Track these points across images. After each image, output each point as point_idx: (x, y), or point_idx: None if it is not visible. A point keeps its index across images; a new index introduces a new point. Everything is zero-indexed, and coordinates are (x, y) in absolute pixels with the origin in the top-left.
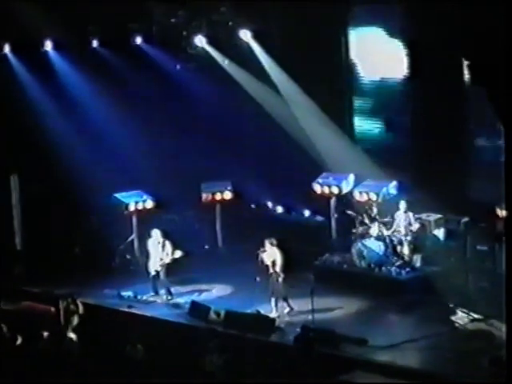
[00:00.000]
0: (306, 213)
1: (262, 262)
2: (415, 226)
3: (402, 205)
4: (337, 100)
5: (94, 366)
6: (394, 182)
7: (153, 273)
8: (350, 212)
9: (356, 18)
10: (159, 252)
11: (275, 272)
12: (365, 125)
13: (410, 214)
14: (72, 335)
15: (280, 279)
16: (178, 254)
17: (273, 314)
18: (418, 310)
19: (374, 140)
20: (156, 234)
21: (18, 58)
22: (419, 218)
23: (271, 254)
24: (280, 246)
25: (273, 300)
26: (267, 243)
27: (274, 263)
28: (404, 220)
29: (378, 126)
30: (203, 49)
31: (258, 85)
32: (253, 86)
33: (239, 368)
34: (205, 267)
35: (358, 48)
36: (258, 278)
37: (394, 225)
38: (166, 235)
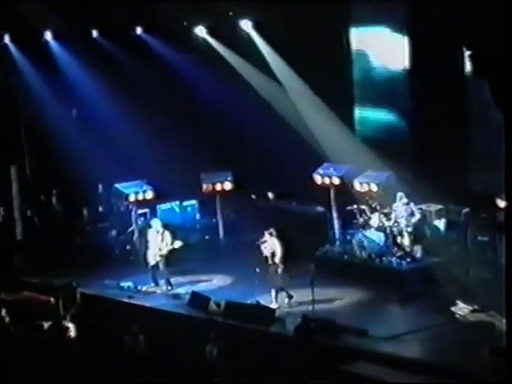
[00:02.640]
0: (307, 203)
1: (261, 252)
2: (416, 217)
3: (402, 195)
4: (337, 90)
5: (94, 357)
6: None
7: (152, 263)
8: (350, 208)
9: (358, 10)
10: (158, 242)
11: (274, 263)
12: (365, 115)
13: (411, 205)
14: (71, 326)
15: (279, 270)
16: (178, 244)
17: (273, 306)
18: (419, 300)
19: (374, 131)
20: (156, 223)
21: (19, 49)
22: (419, 209)
23: (270, 245)
24: (279, 237)
25: (273, 291)
26: (266, 234)
27: (273, 254)
28: (405, 211)
29: (379, 116)
30: (204, 39)
31: (258, 75)
32: (253, 76)
33: (239, 359)
34: (205, 258)
35: (360, 39)
36: (257, 269)
37: (394, 215)
38: (165, 225)
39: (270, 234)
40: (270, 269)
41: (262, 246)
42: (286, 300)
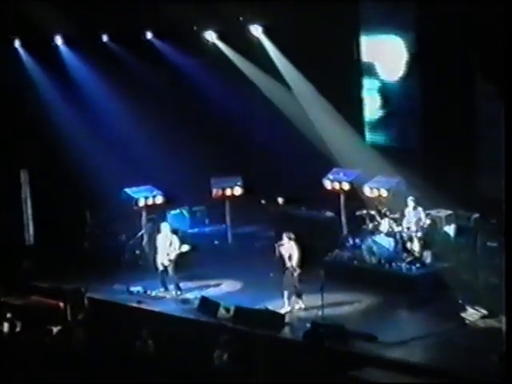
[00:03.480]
0: (316, 208)
1: (281, 255)
2: (426, 222)
3: (411, 201)
4: (347, 96)
5: (103, 361)
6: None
7: (161, 268)
8: (359, 213)
9: (367, 16)
10: (167, 247)
11: (291, 266)
12: (375, 121)
13: (420, 210)
14: (81, 330)
15: (295, 274)
16: (185, 248)
17: (284, 309)
18: (428, 306)
19: (384, 136)
20: (165, 228)
21: (29, 53)
22: (429, 214)
23: (288, 248)
24: (297, 241)
25: (286, 293)
26: (285, 237)
27: (290, 257)
28: (414, 216)
29: (388, 122)
30: (214, 44)
31: (268, 80)
32: (263, 81)
33: (249, 364)
34: (214, 263)
35: (370, 44)
36: (271, 274)
37: (404, 221)
38: (174, 230)
39: (289, 238)
40: (286, 272)
41: (281, 248)
42: (298, 306)
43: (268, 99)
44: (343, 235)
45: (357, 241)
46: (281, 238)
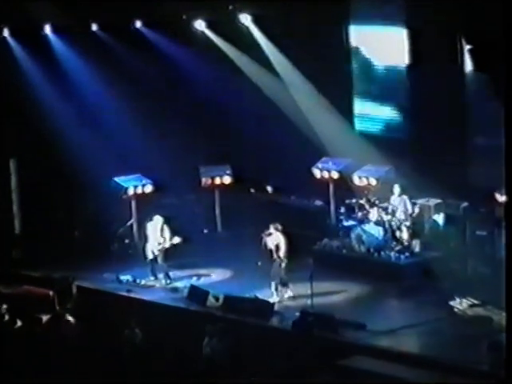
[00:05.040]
0: (306, 197)
1: (266, 245)
2: (415, 211)
3: (396, 189)
4: (337, 84)
5: (92, 350)
6: (393, 167)
7: (151, 257)
8: (348, 201)
9: (356, 4)
10: (157, 236)
11: (278, 257)
12: (364, 110)
13: (405, 198)
14: (70, 319)
15: (283, 264)
16: (177, 240)
17: (273, 299)
18: (417, 295)
19: (373, 125)
20: (157, 219)
21: (18, 42)
22: (414, 203)
23: (275, 239)
24: (284, 232)
25: (273, 284)
26: (272, 227)
27: (277, 248)
28: (399, 204)
29: (378, 110)
30: (203, 32)
31: (257, 69)
32: (253, 70)
33: (238, 353)
34: (204, 251)
35: (359, 33)
36: (259, 263)
37: (389, 208)
38: (166, 221)
39: (276, 228)
40: (274, 263)
41: (267, 238)
42: (287, 295)
43: (257, 88)
44: (332, 224)
45: (346, 230)
46: (269, 228)
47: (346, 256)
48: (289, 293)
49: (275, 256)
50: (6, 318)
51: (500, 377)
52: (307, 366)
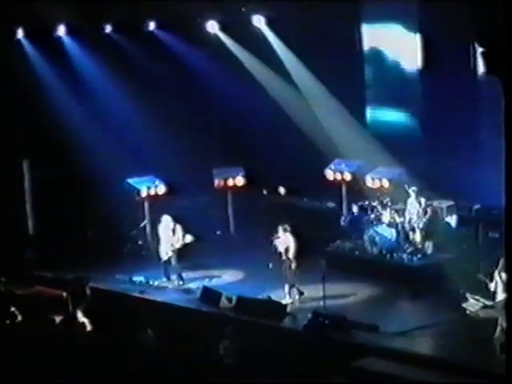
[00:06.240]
0: (318, 199)
1: (276, 248)
2: (428, 213)
3: (413, 191)
4: (350, 86)
5: (105, 351)
6: (406, 169)
7: (164, 258)
8: (361, 203)
9: (370, 7)
10: (170, 237)
11: (288, 259)
12: (377, 112)
13: (422, 201)
14: (84, 320)
15: (293, 266)
16: (189, 238)
17: (286, 301)
18: (430, 296)
19: (386, 127)
20: (166, 220)
21: (32, 44)
22: (431, 205)
23: (284, 241)
24: (293, 233)
25: (286, 287)
26: (280, 229)
27: (287, 250)
28: (415, 207)
29: (391, 112)
30: (216, 34)
31: (270, 71)
32: (265, 71)
33: (250, 354)
34: (216, 253)
35: (372, 36)
36: (270, 265)
37: (405, 212)
38: (177, 220)
39: (285, 230)
40: (284, 264)
41: (276, 241)
42: (297, 296)
43: (271, 90)
44: (345, 226)
45: (359, 231)
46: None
47: (359, 258)
48: (296, 295)
49: (284, 257)
50: (19, 318)
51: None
52: (320, 368)
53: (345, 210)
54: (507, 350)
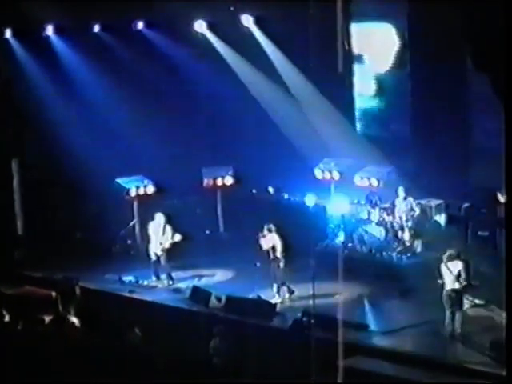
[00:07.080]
0: (307, 198)
1: (261, 247)
2: (416, 212)
3: (402, 191)
4: (338, 85)
5: (94, 351)
6: (395, 168)
7: (153, 257)
8: (350, 203)
9: (358, 6)
10: (159, 236)
11: (275, 258)
12: (366, 110)
13: (411, 199)
14: (74, 320)
15: (281, 264)
16: (178, 237)
17: (275, 300)
18: (419, 295)
19: (375, 126)
20: (159, 217)
21: (20, 43)
22: (419, 204)
23: (270, 240)
24: (278, 232)
25: (275, 286)
26: (265, 229)
27: (273, 249)
28: (405, 206)
29: (379, 111)
30: (203, 34)
31: (258, 70)
32: (253, 71)
33: (240, 353)
34: (206, 252)
35: (360, 35)
36: (258, 264)
37: (394, 211)
38: (167, 220)
39: (269, 230)
40: (272, 263)
41: (262, 241)
42: (287, 295)
43: (259, 89)
44: (334, 225)
45: (347, 230)
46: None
47: (348, 256)
48: (286, 293)
49: (272, 256)
50: (8, 318)
51: (501, 377)
52: (309, 366)
53: (334, 209)
54: (507, 349)
